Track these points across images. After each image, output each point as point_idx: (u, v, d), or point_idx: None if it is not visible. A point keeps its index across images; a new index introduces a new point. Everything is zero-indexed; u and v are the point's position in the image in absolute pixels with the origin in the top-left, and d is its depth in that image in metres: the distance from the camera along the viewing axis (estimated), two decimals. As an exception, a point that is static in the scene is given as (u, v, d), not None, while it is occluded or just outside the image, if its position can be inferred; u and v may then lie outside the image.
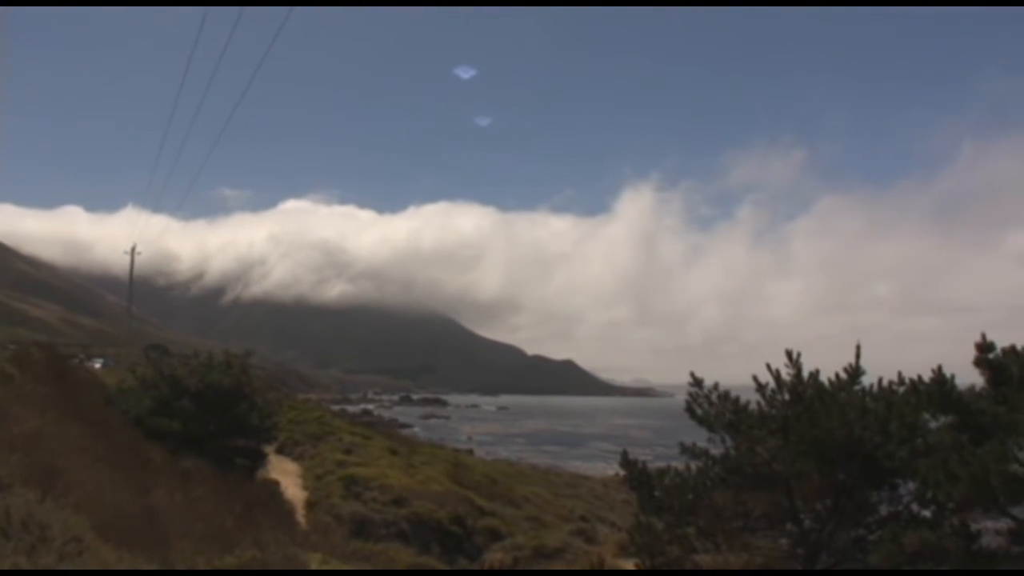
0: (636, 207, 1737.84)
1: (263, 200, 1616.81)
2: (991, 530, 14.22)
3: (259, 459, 29.57)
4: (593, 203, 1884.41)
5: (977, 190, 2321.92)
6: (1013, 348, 15.01)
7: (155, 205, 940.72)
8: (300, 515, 27.03)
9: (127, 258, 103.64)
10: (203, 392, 27.26)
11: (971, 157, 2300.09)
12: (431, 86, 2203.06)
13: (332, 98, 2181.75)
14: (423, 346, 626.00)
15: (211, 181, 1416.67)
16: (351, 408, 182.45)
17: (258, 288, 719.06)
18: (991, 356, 15.13)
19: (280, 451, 40.18)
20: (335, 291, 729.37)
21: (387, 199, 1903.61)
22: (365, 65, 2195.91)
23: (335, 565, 16.08)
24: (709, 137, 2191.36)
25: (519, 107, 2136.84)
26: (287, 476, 33.87)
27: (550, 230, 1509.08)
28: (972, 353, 15.30)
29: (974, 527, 13.99)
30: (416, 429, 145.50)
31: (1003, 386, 14.65)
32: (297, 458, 41.25)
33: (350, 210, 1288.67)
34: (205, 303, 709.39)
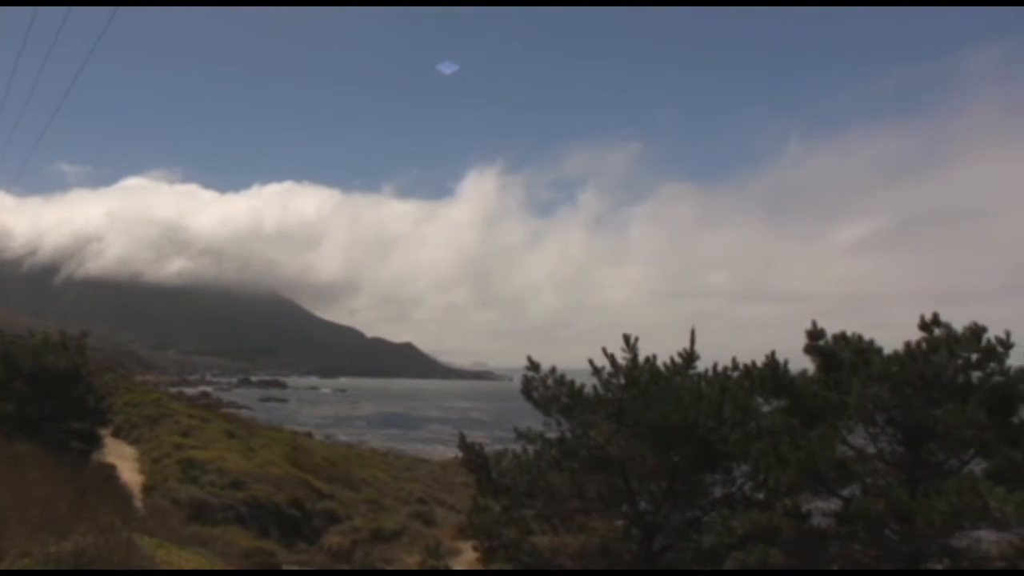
0: (478, 191, 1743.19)
1: (103, 177, 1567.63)
2: (821, 510, 14.61)
3: (95, 442, 28.88)
4: (437, 186, 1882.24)
5: (805, 186, 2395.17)
6: (844, 334, 15.44)
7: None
8: (137, 499, 26.43)
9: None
10: (38, 374, 26.58)
11: (798, 155, 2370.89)
12: (279, 64, 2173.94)
13: (177, 75, 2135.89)
14: (262, 328, 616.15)
15: (49, 156, 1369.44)
16: (189, 390, 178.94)
17: (93, 265, 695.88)
18: (821, 343, 15.53)
19: (116, 434, 39.14)
20: (174, 270, 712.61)
21: (231, 178, 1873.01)
22: (211, 42, 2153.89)
23: (172, 550, 15.85)
24: (551, 128, 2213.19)
25: (370, 89, 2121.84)
26: (123, 460, 33.10)
27: (392, 212, 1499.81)
28: (804, 339, 15.71)
29: (805, 508, 14.31)
30: (255, 412, 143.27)
31: (835, 371, 15.04)
32: (134, 441, 40.33)
33: (192, 189, 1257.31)
34: (39, 281, 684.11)
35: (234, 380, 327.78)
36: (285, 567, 22.20)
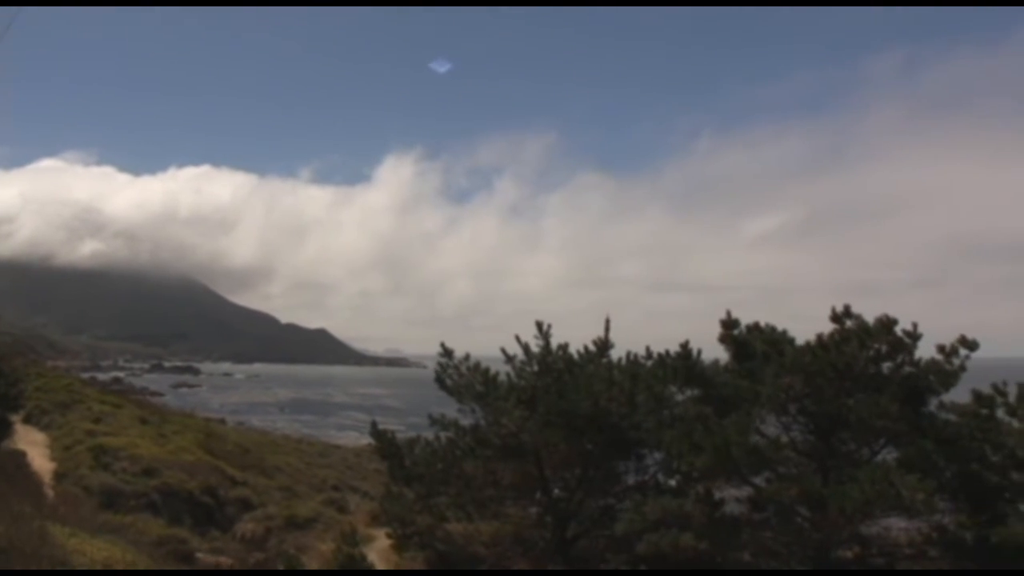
0: (395, 177, 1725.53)
1: (16, 157, 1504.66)
2: (734, 498, 14.70)
3: (5, 429, 28.33)
4: (353, 172, 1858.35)
5: (716, 179, 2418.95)
6: (757, 325, 15.52)
7: None
8: (48, 487, 25.97)
9: None
10: (-54, 360, 26.10)
11: (709, 148, 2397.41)
12: (199, 48, 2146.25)
13: (96, 55, 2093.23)
14: (175, 313, 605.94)
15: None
16: (101, 376, 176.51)
17: (5, 247, 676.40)
18: (735, 333, 15.59)
19: (27, 420, 38.28)
20: (87, 253, 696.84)
21: (148, 161, 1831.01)
22: (130, 23, 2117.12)
23: (85, 538, 15.57)
24: (470, 117, 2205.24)
25: (289, 73, 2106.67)
26: (34, 446, 32.47)
27: (308, 198, 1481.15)
28: (718, 329, 15.77)
29: (718, 495, 14.39)
30: (167, 397, 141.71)
31: (748, 361, 15.12)
32: (45, 428, 39.60)
33: (108, 171, 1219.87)
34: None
35: (146, 366, 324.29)
36: (199, 555, 21.94)
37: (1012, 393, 14.73)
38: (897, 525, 14.21)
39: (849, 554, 14.38)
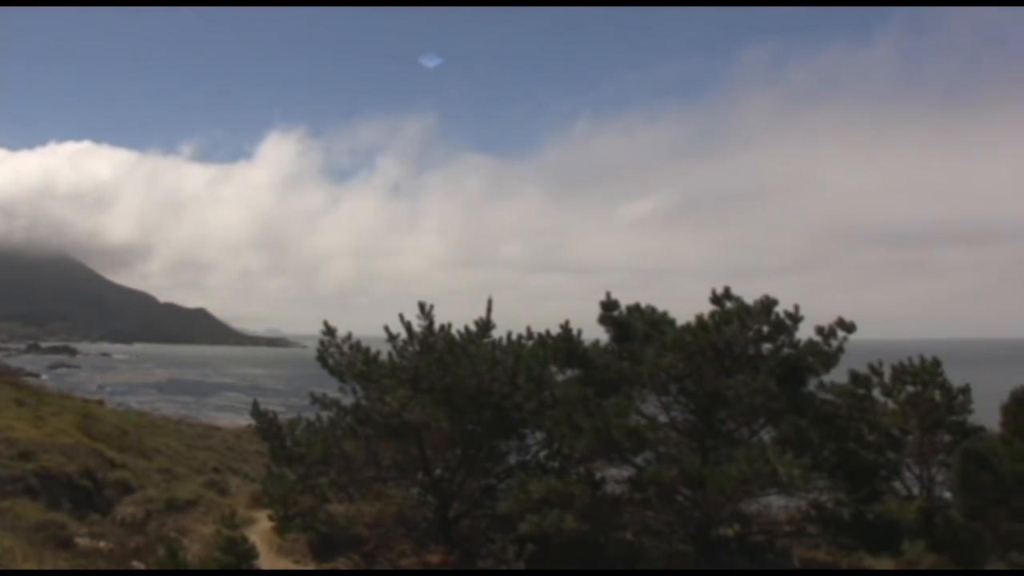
0: (277, 156, 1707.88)
1: None
2: (615, 478, 14.81)
3: None
4: (234, 150, 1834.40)
5: (593, 162, 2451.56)
6: (637, 306, 15.62)
7: None
8: (-78, 472, 25.43)
9: None
10: None
11: (586, 133, 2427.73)
12: (87, 23, 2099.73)
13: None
14: (52, 291, 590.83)
15: None
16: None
17: None
18: (615, 314, 15.69)
19: (-102, 405, 37.67)
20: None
21: (27, 135, 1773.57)
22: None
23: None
24: (353, 96, 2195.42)
25: (173, 48, 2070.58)
26: (-95, 431, 31.81)
27: (189, 175, 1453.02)
28: (598, 310, 15.86)
29: (599, 475, 14.48)
30: (45, 378, 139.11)
31: (628, 342, 15.22)
32: (-83, 411, 38.87)
33: None
34: None
35: (23, 346, 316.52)
36: (78, 540, 21.58)
37: (887, 374, 15.17)
38: (777, 503, 14.47)
39: (730, 532, 14.58)
